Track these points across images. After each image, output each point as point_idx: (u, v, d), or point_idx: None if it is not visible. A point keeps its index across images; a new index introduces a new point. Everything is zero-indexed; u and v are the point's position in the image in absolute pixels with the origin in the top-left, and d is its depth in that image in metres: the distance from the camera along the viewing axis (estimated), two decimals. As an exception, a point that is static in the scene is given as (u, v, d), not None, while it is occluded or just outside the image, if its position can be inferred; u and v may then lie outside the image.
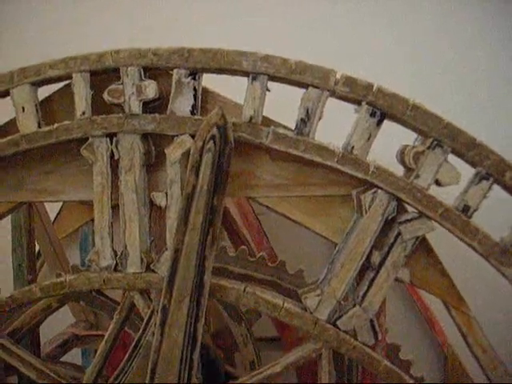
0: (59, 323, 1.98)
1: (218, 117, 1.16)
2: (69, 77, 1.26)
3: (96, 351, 1.44)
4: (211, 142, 1.16)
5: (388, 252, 1.22)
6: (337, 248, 1.25)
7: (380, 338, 1.27)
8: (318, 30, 2.15)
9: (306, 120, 1.22)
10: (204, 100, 1.26)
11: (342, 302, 1.25)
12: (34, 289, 1.33)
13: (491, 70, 2.11)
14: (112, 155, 1.27)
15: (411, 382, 1.26)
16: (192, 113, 1.24)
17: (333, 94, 1.21)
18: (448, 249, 1.34)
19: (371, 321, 1.25)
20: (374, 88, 1.19)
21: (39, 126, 1.27)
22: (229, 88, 1.31)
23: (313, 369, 1.55)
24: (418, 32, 2.12)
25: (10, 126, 1.30)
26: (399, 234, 1.22)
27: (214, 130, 1.16)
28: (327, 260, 1.27)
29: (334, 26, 2.16)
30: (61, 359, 1.90)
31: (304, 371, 1.73)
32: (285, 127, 1.24)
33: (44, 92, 1.31)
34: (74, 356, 2.08)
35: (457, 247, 1.31)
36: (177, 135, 1.24)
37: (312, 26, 2.16)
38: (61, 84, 1.31)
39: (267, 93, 1.22)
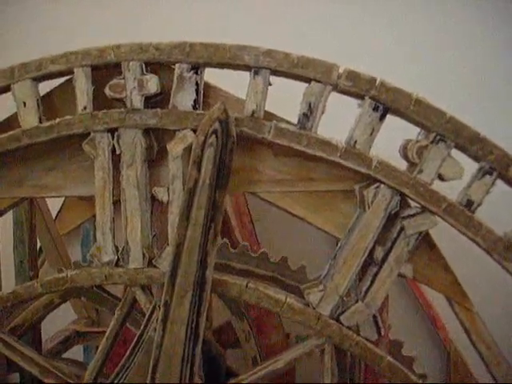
0: (60, 320, 1.98)
1: (220, 111, 1.16)
2: (70, 72, 1.25)
3: (97, 348, 1.43)
4: (213, 136, 1.16)
5: (391, 247, 1.22)
6: (339, 243, 1.25)
7: (383, 333, 1.27)
8: (317, 30, 2.15)
9: (309, 114, 1.21)
10: (206, 95, 1.26)
11: (345, 298, 1.24)
12: (35, 284, 1.33)
13: (491, 70, 2.11)
14: (113, 150, 1.26)
15: (414, 378, 1.25)
16: (194, 107, 1.23)
17: (335, 88, 1.21)
18: (448, 243, 1.33)
19: (374, 316, 1.25)
20: (377, 82, 1.19)
21: (40, 122, 1.26)
22: (230, 82, 1.31)
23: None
24: (418, 32, 2.12)
25: (12, 121, 1.30)
26: (402, 229, 1.21)
27: (216, 125, 1.16)
28: (328, 256, 1.27)
29: (333, 25, 2.15)
30: (62, 356, 1.89)
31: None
32: (287, 122, 1.24)
33: (45, 87, 1.30)
34: (76, 352, 2.07)
35: (457, 241, 1.31)
36: (179, 130, 1.24)
37: (312, 25, 2.15)
38: (62, 79, 1.30)
39: (269, 87, 1.22)
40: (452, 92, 2.04)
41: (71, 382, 1.37)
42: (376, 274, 1.23)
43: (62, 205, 2.12)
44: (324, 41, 2.11)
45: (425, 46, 2.10)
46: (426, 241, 1.24)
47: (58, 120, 1.26)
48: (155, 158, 1.28)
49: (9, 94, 1.27)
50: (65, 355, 1.91)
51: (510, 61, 2.11)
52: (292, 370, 1.74)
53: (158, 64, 1.25)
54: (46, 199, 1.87)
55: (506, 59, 2.11)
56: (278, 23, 2.15)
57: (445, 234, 1.26)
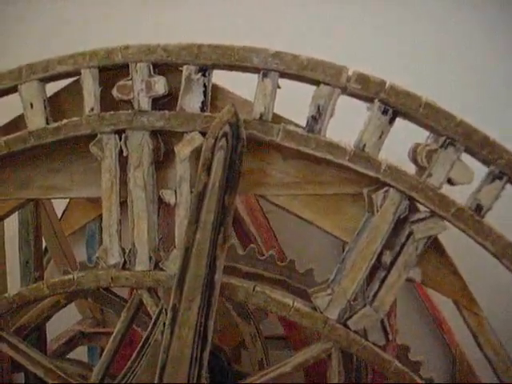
0: (65, 320, 1.98)
1: (230, 114, 1.15)
2: (77, 73, 1.25)
3: (102, 348, 1.43)
4: (223, 139, 1.15)
5: (399, 252, 1.21)
6: (347, 247, 1.24)
7: (390, 338, 1.26)
8: (317, 30, 2.14)
9: (317, 117, 1.20)
10: (214, 97, 1.25)
11: (353, 302, 1.24)
12: (41, 286, 1.32)
13: (491, 70, 2.10)
14: (121, 152, 1.25)
15: (422, 383, 1.24)
16: (202, 109, 1.23)
17: (344, 91, 1.20)
18: (449, 246, 1.32)
19: (382, 321, 1.24)
20: (387, 85, 1.18)
21: (47, 123, 1.26)
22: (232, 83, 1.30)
23: (321, 370, 1.54)
24: (418, 32, 2.11)
25: (19, 123, 1.29)
26: (411, 233, 1.20)
27: (227, 128, 1.15)
28: (336, 259, 1.26)
29: (333, 25, 2.15)
30: (67, 356, 1.89)
31: (312, 371, 1.72)
32: (296, 125, 1.23)
33: (52, 88, 1.30)
34: (80, 353, 2.07)
35: (459, 245, 1.30)
36: (186, 132, 1.23)
37: (311, 25, 2.15)
38: (69, 80, 1.30)
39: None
40: (452, 92, 2.03)
41: (75, 383, 1.36)
42: (384, 279, 1.22)
43: (67, 205, 2.11)
44: (324, 41, 2.10)
45: (425, 46, 2.09)
46: (434, 245, 1.24)
47: (64, 121, 1.25)
48: (162, 160, 1.27)
49: (16, 95, 1.27)
50: (69, 355, 1.91)
51: (510, 61, 2.10)
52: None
53: (165, 65, 1.24)
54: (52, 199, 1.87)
55: (505, 59, 2.10)
56: (277, 23, 2.15)
57: (444, 237, 1.25)
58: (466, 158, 1.20)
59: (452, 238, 1.26)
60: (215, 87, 1.26)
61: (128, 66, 1.23)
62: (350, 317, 1.23)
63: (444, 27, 2.11)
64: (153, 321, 1.30)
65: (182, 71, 1.23)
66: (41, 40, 2.19)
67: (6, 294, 1.35)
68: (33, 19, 2.24)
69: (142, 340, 1.32)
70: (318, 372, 1.63)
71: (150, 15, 2.18)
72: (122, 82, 1.24)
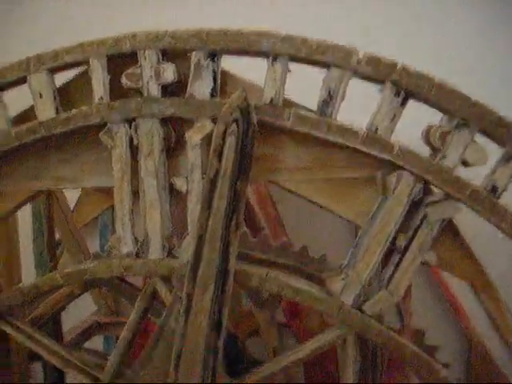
0: (81, 310, 1.99)
1: (240, 99, 1.14)
2: (86, 62, 1.24)
3: (118, 338, 1.43)
4: (234, 125, 1.14)
5: (414, 235, 1.20)
6: (361, 231, 1.23)
7: (405, 322, 1.25)
8: (315, 29, 2.12)
9: (329, 100, 1.19)
10: (223, 82, 1.24)
11: (367, 286, 1.23)
12: (55, 276, 1.33)
13: (491, 70, 2.08)
14: (131, 140, 1.25)
15: (439, 367, 1.23)
16: (212, 96, 1.22)
17: (355, 73, 1.18)
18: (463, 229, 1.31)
19: (397, 305, 1.23)
20: (398, 67, 1.16)
21: (57, 113, 1.25)
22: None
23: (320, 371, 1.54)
24: (417, 32, 2.09)
25: (29, 114, 1.29)
26: (425, 216, 1.19)
27: (237, 113, 1.14)
28: (345, 251, 1.25)
29: (332, 25, 2.12)
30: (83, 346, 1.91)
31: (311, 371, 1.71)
32: (307, 109, 1.21)
33: (62, 78, 1.29)
34: (96, 342, 2.09)
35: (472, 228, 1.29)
36: (197, 119, 1.22)
37: (312, 27, 2.13)
38: (78, 70, 1.29)
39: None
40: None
41: (92, 372, 1.37)
42: (399, 262, 1.21)
43: (79, 197, 2.12)
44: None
45: (424, 46, 2.07)
46: (449, 228, 1.22)
47: (74, 111, 1.25)
48: (173, 148, 1.26)
49: (25, 86, 1.26)
50: (85, 345, 1.92)
51: (509, 61, 2.07)
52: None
53: (174, 52, 1.23)
54: (64, 190, 1.87)
55: (505, 60, 2.08)
56: (277, 23, 2.13)
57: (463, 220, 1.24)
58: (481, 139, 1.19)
59: (466, 221, 1.25)
60: (224, 73, 1.25)
61: (136, 54, 1.22)
62: (365, 301, 1.23)
63: (444, 27, 2.09)
64: (167, 309, 1.30)
65: (190, 58, 1.22)
66: (42, 39, 2.19)
67: (21, 285, 1.36)
68: (35, 17, 2.24)
69: (157, 328, 1.32)
70: (316, 373, 1.63)
71: (150, 15, 2.17)
72: (130, 70, 1.23)
